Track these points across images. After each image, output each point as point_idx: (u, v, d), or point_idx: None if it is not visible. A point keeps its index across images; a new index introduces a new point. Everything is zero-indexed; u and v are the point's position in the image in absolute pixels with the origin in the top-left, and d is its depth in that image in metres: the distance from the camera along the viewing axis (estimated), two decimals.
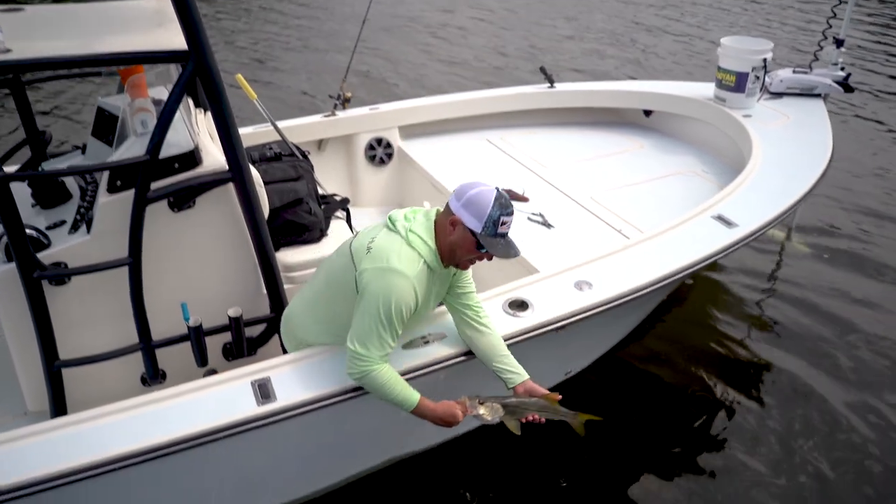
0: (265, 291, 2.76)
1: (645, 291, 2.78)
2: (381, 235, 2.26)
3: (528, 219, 3.58)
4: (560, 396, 2.41)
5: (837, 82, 4.45)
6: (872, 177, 5.84)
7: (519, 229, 3.47)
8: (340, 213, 3.31)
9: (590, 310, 2.67)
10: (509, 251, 2.25)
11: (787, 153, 3.78)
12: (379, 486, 2.86)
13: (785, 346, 3.80)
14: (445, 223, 2.23)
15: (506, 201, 2.22)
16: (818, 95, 4.48)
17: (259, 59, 9.01)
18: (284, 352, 2.61)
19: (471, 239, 2.20)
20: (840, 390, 3.52)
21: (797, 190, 3.46)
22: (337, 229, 3.20)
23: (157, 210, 2.48)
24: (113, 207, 2.43)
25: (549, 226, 3.52)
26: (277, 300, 2.75)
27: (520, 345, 2.56)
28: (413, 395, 2.26)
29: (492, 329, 2.47)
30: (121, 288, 2.49)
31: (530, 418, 2.37)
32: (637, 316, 3.54)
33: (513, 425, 2.34)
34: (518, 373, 2.44)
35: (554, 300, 2.68)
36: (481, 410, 2.29)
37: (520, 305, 2.65)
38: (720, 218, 3.18)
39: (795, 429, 3.28)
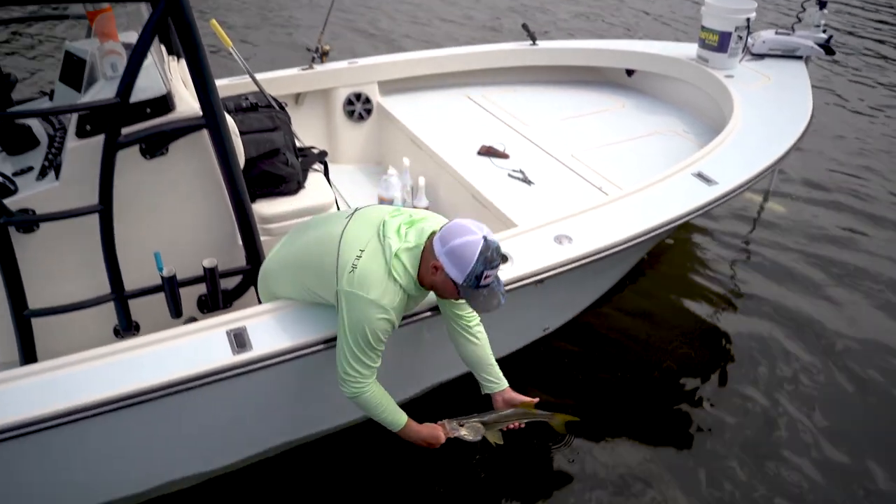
0: (241, 243, 2.71)
1: (625, 246, 2.78)
2: (368, 252, 2.16)
3: (509, 175, 3.55)
4: (537, 400, 2.47)
5: (819, 44, 4.44)
6: (852, 139, 5.88)
7: (499, 185, 3.47)
8: (318, 166, 3.25)
9: (569, 263, 2.67)
10: (490, 304, 2.18)
11: (768, 114, 3.77)
12: (352, 445, 2.86)
13: (766, 301, 3.85)
14: (429, 262, 2.15)
15: (492, 255, 2.09)
16: (800, 58, 4.47)
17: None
18: (260, 303, 2.58)
19: (452, 286, 2.14)
20: (828, 335, 3.61)
21: (777, 150, 3.47)
22: (315, 182, 3.14)
23: (129, 157, 2.42)
24: (82, 153, 2.36)
25: (529, 182, 3.50)
26: (254, 252, 2.70)
27: None
28: (402, 418, 2.34)
29: (481, 340, 2.45)
30: (92, 236, 2.43)
31: (510, 426, 2.46)
32: (616, 273, 3.55)
33: (494, 437, 2.43)
34: (498, 382, 2.48)
35: (534, 253, 2.67)
36: (462, 432, 2.38)
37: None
38: (700, 175, 3.17)
39: (785, 375, 3.36)
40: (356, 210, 2.37)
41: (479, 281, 2.11)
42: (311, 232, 2.42)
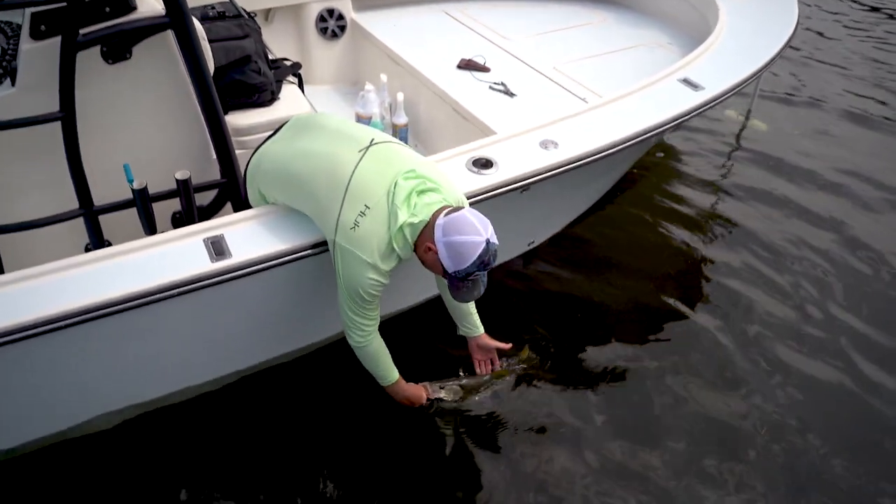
0: (215, 156, 2.59)
1: (614, 150, 2.71)
2: (374, 212, 2.11)
3: (490, 88, 3.44)
4: (510, 346, 2.66)
5: None
6: (837, 51, 5.85)
7: (481, 98, 3.36)
8: (292, 79, 3.12)
9: (556, 168, 2.60)
10: (470, 294, 2.21)
11: (753, 21, 3.69)
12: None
13: (746, 219, 3.84)
14: (425, 241, 2.13)
15: (489, 258, 2.09)
16: None
17: None
18: (236, 207, 2.48)
19: (440, 269, 2.15)
20: (801, 252, 3.63)
21: (763, 56, 3.40)
22: (289, 93, 3.02)
23: (90, 61, 2.27)
24: (38, 55, 2.21)
25: (511, 94, 3.39)
26: (229, 164, 2.58)
27: (483, 205, 2.48)
28: (395, 374, 2.45)
29: None
30: (56, 148, 2.30)
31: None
32: (601, 185, 3.50)
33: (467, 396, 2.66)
34: (474, 329, 2.61)
35: (519, 159, 2.59)
36: (442, 394, 2.59)
37: (484, 164, 2.56)
38: (686, 81, 3.10)
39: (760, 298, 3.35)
40: (372, 142, 2.24)
41: (467, 276, 2.12)
42: (318, 144, 2.30)
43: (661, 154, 4.33)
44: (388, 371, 2.44)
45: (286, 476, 2.48)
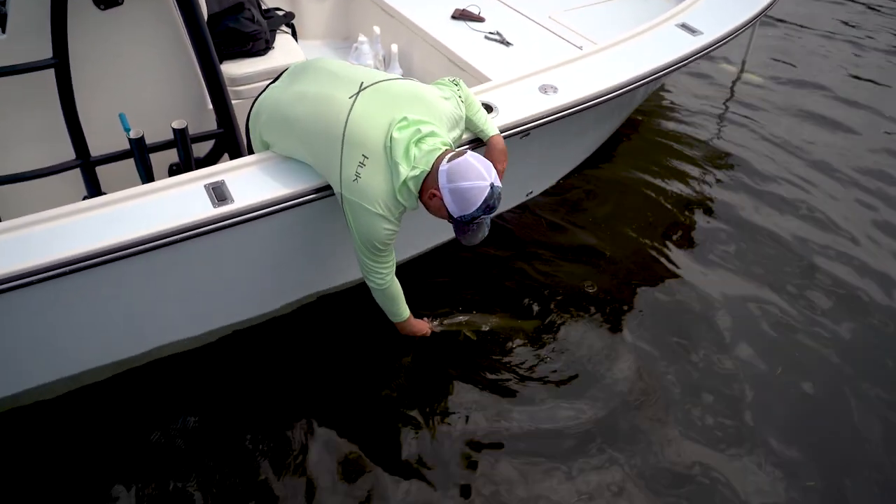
0: (211, 106, 2.55)
1: (615, 94, 2.69)
2: (373, 163, 2.12)
3: (486, 38, 3.40)
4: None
5: None
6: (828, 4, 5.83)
7: (477, 48, 3.33)
8: (285, 29, 3.07)
9: (557, 112, 2.58)
10: (476, 237, 2.25)
11: None
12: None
13: (739, 174, 3.84)
14: (429, 188, 2.14)
15: (494, 202, 2.12)
16: None
17: None
18: (234, 158, 2.46)
19: (445, 213, 2.17)
20: (792, 209, 3.62)
21: (760, 1, 3.38)
22: (283, 43, 2.97)
23: (82, 7, 2.22)
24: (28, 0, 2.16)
25: (507, 44, 3.36)
26: (225, 114, 2.54)
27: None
28: (406, 312, 2.54)
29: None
30: (51, 98, 2.26)
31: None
32: (598, 134, 3.48)
33: (470, 334, 2.77)
34: (486, 132, 2.47)
35: (519, 104, 2.58)
36: (444, 328, 2.74)
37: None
38: (684, 26, 3.08)
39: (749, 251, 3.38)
40: (361, 87, 2.21)
41: (473, 220, 2.16)
42: (314, 86, 2.26)
43: (661, 102, 4.32)
44: (401, 310, 2.52)
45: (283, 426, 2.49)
